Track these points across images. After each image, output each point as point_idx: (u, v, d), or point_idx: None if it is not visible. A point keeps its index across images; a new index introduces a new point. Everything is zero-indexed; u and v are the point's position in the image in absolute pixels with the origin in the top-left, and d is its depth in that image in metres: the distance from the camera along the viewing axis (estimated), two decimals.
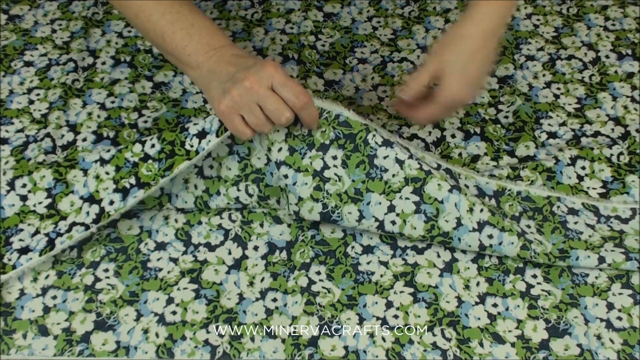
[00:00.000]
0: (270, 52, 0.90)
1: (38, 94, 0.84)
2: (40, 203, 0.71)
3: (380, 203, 0.67)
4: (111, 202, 0.68)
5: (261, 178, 0.71)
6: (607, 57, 0.89)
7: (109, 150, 0.71)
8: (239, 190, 0.71)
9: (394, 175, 0.67)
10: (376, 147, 0.67)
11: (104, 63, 0.88)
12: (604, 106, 0.83)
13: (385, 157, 0.67)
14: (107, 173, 0.69)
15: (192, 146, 0.68)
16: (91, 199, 0.69)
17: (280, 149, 0.67)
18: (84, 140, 0.79)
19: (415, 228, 0.67)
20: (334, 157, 0.67)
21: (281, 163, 0.67)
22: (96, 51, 0.90)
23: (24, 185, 0.72)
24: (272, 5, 0.96)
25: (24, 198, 0.71)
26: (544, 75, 0.87)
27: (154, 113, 0.82)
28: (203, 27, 0.68)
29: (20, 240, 0.69)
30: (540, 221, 0.70)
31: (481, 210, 0.67)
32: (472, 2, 0.66)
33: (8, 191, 0.72)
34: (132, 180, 0.68)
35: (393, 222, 0.67)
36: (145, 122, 0.81)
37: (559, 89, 0.85)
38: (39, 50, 0.90)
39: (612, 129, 0.80)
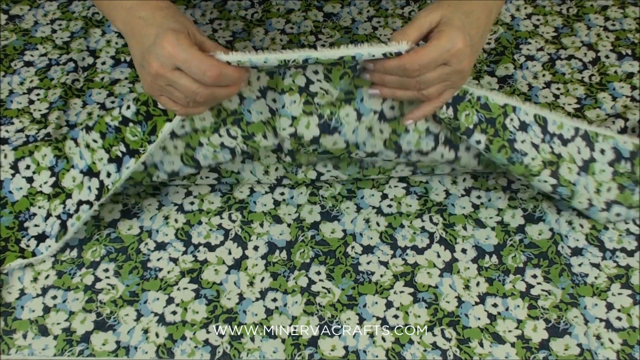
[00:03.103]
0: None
1: (38, 94, 0.84)
2: (45, 183, 0.72)
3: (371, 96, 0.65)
4: (108, 175, 0.68)
5: (240, 118, 0.67)
6: (607, 57, 0.88)
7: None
8: (220, 135, 0.68)
9: None
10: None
11: (104, 63, 0.88)
12: (604, 106, 0.83)
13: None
14: (95, 141, 0.70)
15: None
16: (90, 172, 0.70)
17: (259, 77, 0.65)
18: None
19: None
20: (315, 72, 0.64)
21: (266, 89, 0.65)
22: (96, 51, 0.90)
23: (28, 167, 0.73)
24: (272, 5, 0.96)
25: (30, 180, 0.72)
26: (543, 75, 0.87)
27: None
28: None
29: (36, 225, 0.70)
30: (491, 136, 0.66)
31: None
32: None
33: (13, 175, 0.72)
34: (122, 148, 0.68)
35: (392, 107, 0.65)
36: None
37: (558, 89, 0.85)
38: (39, 50, 0.90)
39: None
